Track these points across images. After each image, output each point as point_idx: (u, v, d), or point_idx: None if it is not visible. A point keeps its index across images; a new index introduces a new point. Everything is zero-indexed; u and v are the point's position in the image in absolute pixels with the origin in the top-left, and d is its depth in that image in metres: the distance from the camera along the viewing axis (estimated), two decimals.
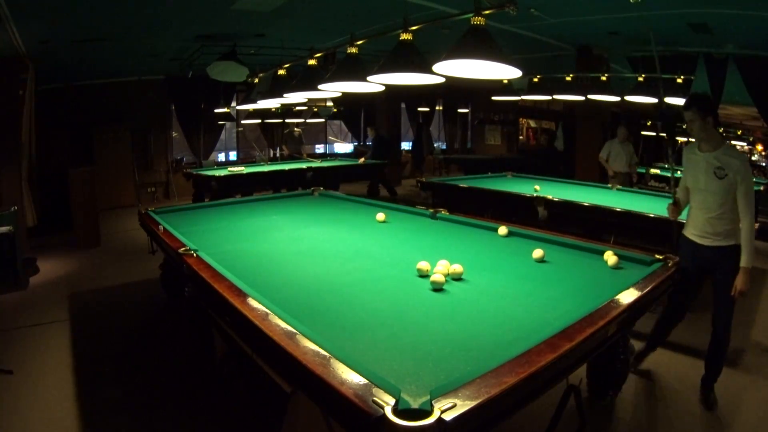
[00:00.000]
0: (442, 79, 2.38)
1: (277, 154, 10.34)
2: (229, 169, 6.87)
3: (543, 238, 2.81)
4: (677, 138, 10.21)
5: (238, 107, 8.42)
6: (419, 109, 12.20)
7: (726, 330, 2.46)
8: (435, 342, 1.52)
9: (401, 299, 1.91)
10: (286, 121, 10.03)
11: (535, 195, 4.40)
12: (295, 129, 9.58)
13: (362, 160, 8.37)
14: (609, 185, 5.27)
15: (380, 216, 3.36)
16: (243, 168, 6.94)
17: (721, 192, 2.35)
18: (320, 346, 1.39)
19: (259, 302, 1.74)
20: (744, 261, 2.31)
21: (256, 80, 5.41)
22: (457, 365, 1.36)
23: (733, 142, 10.85)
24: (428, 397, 1.13)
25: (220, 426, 2.36)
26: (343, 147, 14.24)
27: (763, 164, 13.27)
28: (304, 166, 7.28)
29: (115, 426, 2.37)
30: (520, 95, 6.71)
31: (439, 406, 1.08)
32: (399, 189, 10.47)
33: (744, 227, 2.33)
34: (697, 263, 2.50)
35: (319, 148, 13.84)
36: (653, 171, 7.98)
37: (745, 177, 2.32)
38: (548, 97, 6.51)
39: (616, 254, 2.37)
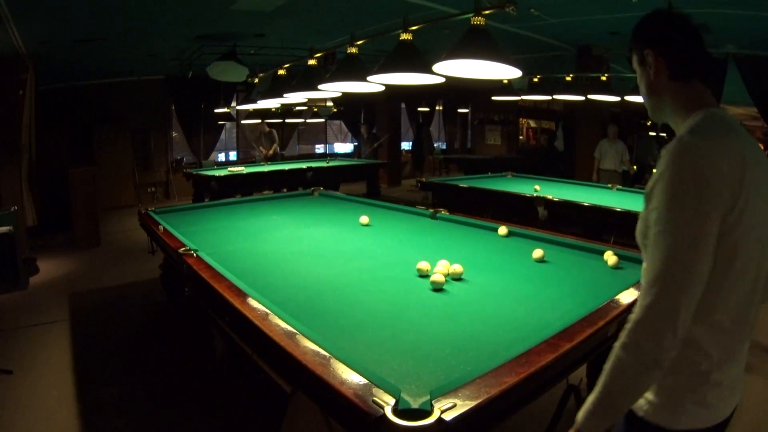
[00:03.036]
0: (442, 79, 2.37)
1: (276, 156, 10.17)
2: (229, 169, 6.88)
3: (543, 238, 2.81)
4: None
5: (238, 107, 8.43)
6: (419, 109, 12.21)
7: None
8: (435, 342, 1.52)
9: (401, 299, 1.91)
10: (261, 120, 9.83)
11: (535, 195, 4.39)
12: (266, 128, 9.37)
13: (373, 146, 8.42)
14: (609, 185, 5.28)
15: (364, 219, 3.28)
16: (243, 168, 6.94)
17: (641, 243, 1.00)
18: (320, 346, 1.39)
19: (259, 302, 1.74)
20: (581, 413, 0.97)
21: (256, 80, 5.41)
22: (457, 365, 1.36)
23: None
24: (428, 397, 1.13)
25: (220, 426, 2.36)
26: (344, 147, 14.25)
27: None
28: (304, 166, 7.29)
29: (115, 426, 2.37)
30: (520, 95, 6.72)
31: (439, 406, 1.08)
32: (399, 189, 10.49)
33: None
34: None
35: (319, 148, 13.86)
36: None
37: (660, 206, 0.89)
38: (548, 97, 6.51)
39: (616, 254, 2.37)
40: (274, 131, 9.32)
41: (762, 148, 1.01)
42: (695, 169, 0.87)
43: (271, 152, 8.86)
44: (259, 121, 9.30)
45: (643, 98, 1.10)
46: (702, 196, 0.86)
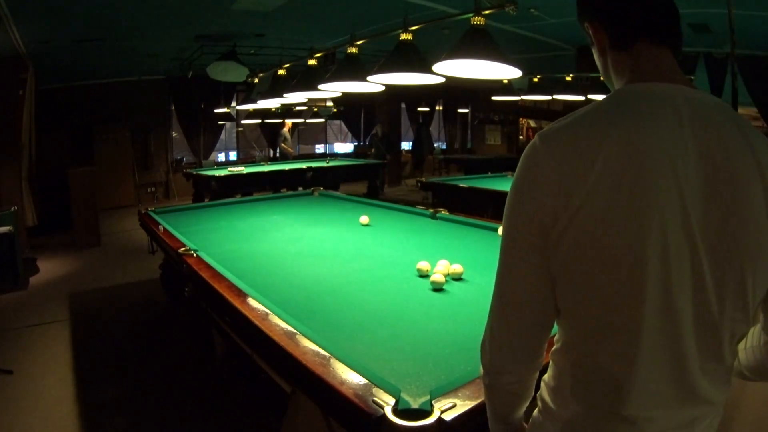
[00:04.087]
0: (442, 79, 2.37)
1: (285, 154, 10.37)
2: (229, 169, 6.88)
3: None
4: None
5: (238, 107, 8.43)
6: (419, 109, 12.21)
7: None
8: (435, 342, 1.52)
9: (401, 299, 1.91)
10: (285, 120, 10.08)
11: None
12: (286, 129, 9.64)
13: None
14: None
15: (364, 219, 3.27)
16: (243, 168, 6.95)
17: None
18: (320, 346, 1.39)
19: (259, 302, 1.74)
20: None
21: (256, 80, 5.41)
22: (457, 365, 1.35)
23: None
24: (428, 397, 1.13)
25: (220, 426, 2.36)
26: (343, 147, 14.25)
27: None
28: (304, 166, 7.29)
29: (115, 426, 2.37)
30: (520, 95, 6.72)
31: (439, 406, 1.08)
32: (399, 189, 10.49)
33: None
34: None
35: (319, 148, 13.86)
36: None
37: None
38: (548, 97, 6.51)
39: None
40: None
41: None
42: (521, 176, 0.74)
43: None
44: (288, 121, 9.67)
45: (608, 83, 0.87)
46: (520, 208, 0.73)
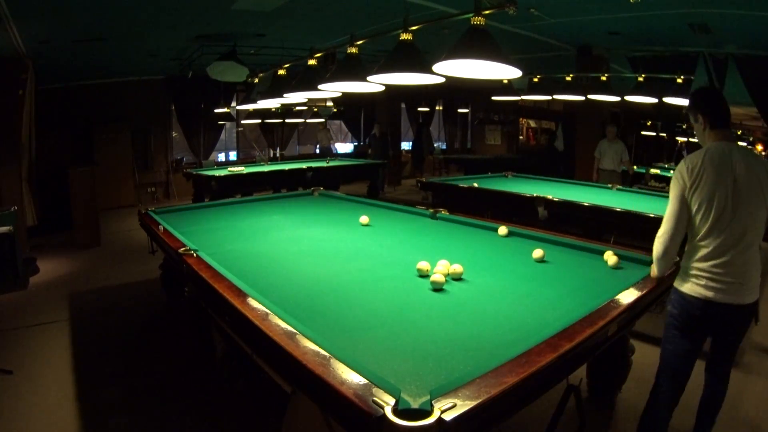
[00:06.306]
0: (442, 79, 2.38)
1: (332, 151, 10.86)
2: (229, 169, 6.87)
3: (543, 238, 2.81)
4: (677, 138, 10.21)
5: (238, 107, 8.43)
6: (419, 109, 12.21)
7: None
8: (435, 342, 1.52)
9: (401, 299, 1.91)
10: (307, 121, 10.39)
11: (535, 195, 4.39)
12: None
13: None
14: (609, 185, 5.28)
15: (364, 219, 3.28)
16: (243, 168, 6.94)
17: None
18: (320, 346, 1.39)
19: (259, 302, 1.74)
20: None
21: (256, 80, 5.41)
22: (457, 365, 1.36)
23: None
24: (428, 397, 1.13)
25: (220, 426, 2.36)
26: (343, 147, 14.24)
27: None
28: (304, 166, 7.29)
29: (115, 426, 2.37)
30: (520, 95, 6.72)
31: (439, 406, 1.08)
32: (398, 189, 10.49)
33: None
34: None
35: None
36: (653, 171, 7.98)
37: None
38: (548, 97, 6.51)
39: (616, 254, 2.37)
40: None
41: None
42: (678, 170, 1.87)
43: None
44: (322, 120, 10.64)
45: (698, 139, 1.99)
46: (676, 183, 1.87)
